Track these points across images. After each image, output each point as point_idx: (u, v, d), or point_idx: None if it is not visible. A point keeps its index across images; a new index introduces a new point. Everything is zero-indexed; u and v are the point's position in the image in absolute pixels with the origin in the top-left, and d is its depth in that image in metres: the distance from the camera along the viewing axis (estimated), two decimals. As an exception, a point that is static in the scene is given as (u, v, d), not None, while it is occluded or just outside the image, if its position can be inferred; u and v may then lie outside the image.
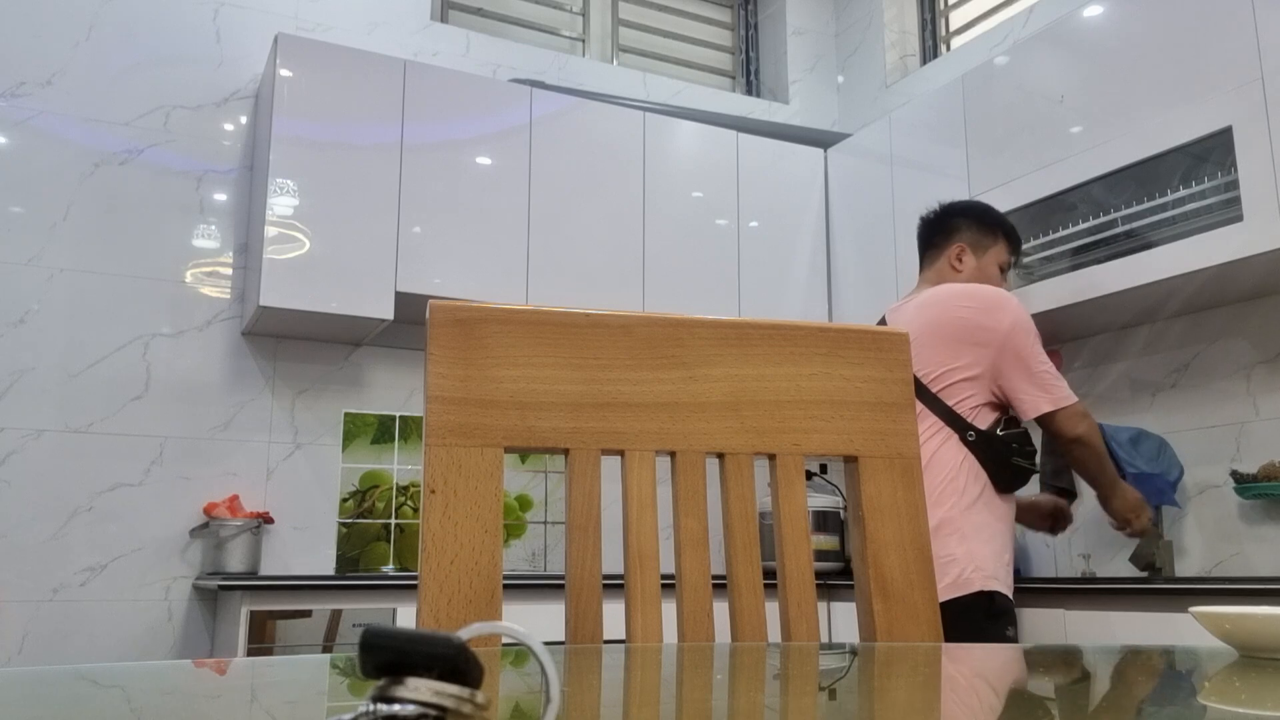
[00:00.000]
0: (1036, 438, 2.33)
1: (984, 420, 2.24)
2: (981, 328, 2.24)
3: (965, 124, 3.25)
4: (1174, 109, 2.61)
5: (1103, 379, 3.12)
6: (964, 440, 2.21)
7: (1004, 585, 2.16)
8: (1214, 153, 2.56)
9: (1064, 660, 0.75)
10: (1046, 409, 2.23)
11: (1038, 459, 2.32)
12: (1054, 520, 2.63)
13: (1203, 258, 2.51)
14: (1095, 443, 2.29)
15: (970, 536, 2.15)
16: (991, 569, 2.14)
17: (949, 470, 2.19)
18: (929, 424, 2.23)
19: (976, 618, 2.12)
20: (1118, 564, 2.98)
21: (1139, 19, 2.74)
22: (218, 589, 2.88)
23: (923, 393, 2.24)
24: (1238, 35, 2.49)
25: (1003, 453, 2.22)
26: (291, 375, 3.36)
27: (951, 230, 2.51)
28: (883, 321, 2.42)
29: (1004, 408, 2.29)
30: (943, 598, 2.03)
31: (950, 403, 2.24)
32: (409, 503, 3.44)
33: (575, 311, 0.96)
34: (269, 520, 3.20)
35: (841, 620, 3.12)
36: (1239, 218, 2.45)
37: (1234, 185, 2.48)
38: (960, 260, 2.47)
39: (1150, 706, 0.53)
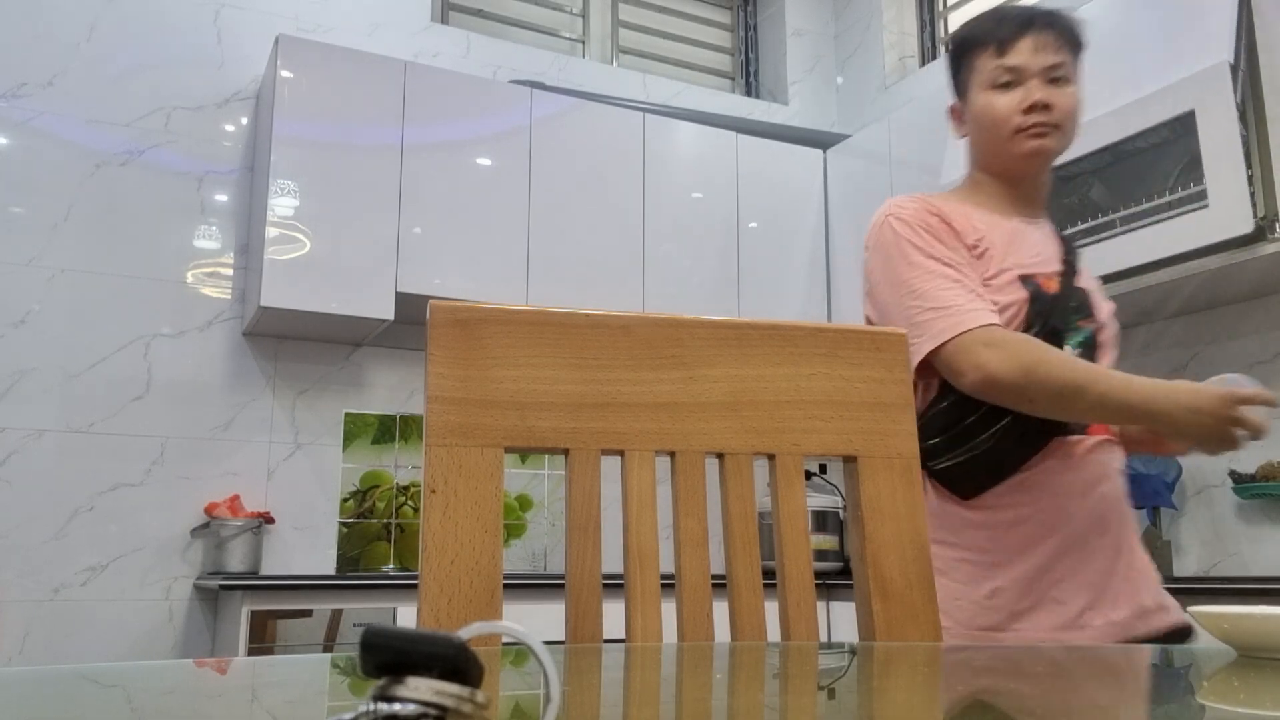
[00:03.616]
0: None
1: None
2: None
3: (965, 124, 3.25)
4: (1174, 109, 2.61)
5: (1103, 379, 3.12)
6: None
7: (967, 625, 1.40)
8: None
9: (1063, 660, 0.75)
10: (917, 356, 1.42)
11: (992, 437, 1.45)
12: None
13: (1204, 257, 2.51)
14: (1021, 376, 1.37)
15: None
16: (950, 610, 1.39)
17: None
18: None
19: None
20: (1118, 564, 2.98)
21: (1138, 20, 2.73)
22: (218, 589, 2.88)
23: None
24: (1237, 36, 2.49)
25: (927, 461, 1.45)
26: (292, 375, 3.36)
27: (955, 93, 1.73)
28: None
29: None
30: None
31: None
32: (409, 503, 3.44)
33: (575, 312, 0.96)
34: (270, 520, 3.20)
35: (841, 620, 3.12)
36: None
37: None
38: (961, 124, 1.73)
39: (1150, 706, 0.53)
